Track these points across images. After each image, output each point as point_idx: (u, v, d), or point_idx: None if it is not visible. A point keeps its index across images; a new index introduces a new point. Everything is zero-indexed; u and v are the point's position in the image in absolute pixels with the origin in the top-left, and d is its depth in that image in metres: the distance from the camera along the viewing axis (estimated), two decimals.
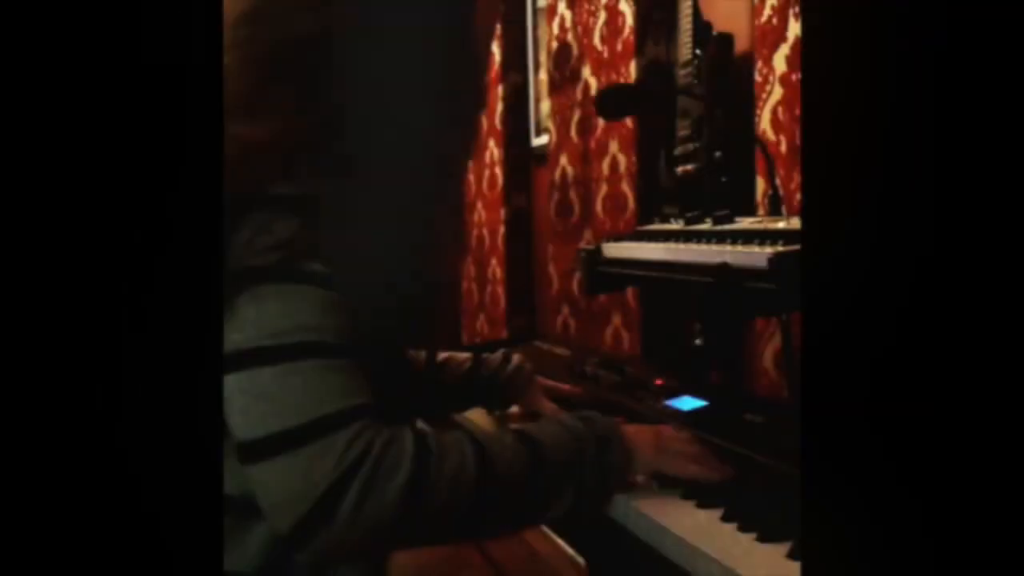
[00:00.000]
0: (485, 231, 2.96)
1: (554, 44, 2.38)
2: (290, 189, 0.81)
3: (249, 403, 0.74)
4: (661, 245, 1.22)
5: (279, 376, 0.75)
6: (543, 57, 2.55)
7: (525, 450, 0.81)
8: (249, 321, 0.76)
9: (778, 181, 1.32)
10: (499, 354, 1.20)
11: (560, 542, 2.30)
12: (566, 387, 1.20)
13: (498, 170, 2.83)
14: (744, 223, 1.13)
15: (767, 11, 1.44)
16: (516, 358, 1.18)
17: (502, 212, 2.79)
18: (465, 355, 1.20)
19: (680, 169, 1.55)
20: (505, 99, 2.79)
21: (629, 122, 1.94)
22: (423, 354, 1.14)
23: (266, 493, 0.75)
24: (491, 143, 2.88)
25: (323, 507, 0.72)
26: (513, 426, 0.85)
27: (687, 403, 1.07)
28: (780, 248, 0.94)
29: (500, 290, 2.84)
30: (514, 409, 1.19)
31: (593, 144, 2.13)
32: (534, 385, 1.17)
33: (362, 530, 0.73)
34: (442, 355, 1.18)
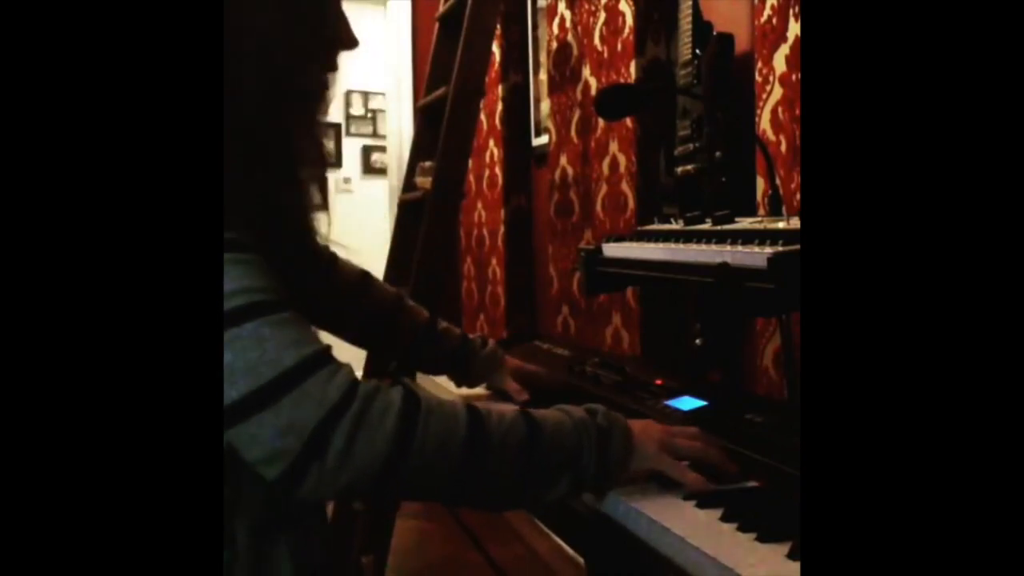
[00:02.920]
0: (485, 231, 2.96)
1: (554, 44, 2.38)
2: None
3: None
4: (661, 245, 1.22)
5: (231, 341, 0.75)
6: (543, 57, 2.55)
7: (524, 428, 0.81)
8: None
9: (778, 181, 1.32)
10: (479, 336, 1.28)
11: (559, 541, 2.30)
12: (532, 367, 1.26)
13: (498, 170, 2.83)
14: (744, 223, 1.13)
15: (767, 11, 1.44)
16: (491, 343, 1.25)
17: (502, 212, 2.79)
18: (459, 330, 1.27)
19: (680, 169, 1.55)
20: (505, 99, 2.79)
21: (629, 122, 1.94)
22: None
23: (252, 448, 0.76)
24: (491, 143, 2.88)
25: (314, 444, 0.74)
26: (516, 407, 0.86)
27: (687, 403, 1.07)
28: (780, 248, 0.94)
29: (500, 290, 2.84)
30: (480, 390, 1.26)
31: (593, 144, 2.13)
32: (504, 368, 1.24)
33: (353, 470, 0.75)
34: (443, 324, 1.25)
